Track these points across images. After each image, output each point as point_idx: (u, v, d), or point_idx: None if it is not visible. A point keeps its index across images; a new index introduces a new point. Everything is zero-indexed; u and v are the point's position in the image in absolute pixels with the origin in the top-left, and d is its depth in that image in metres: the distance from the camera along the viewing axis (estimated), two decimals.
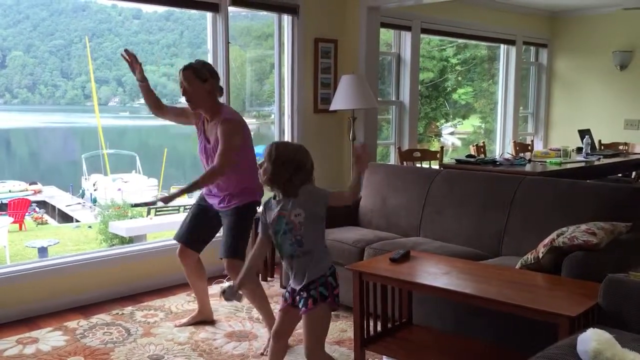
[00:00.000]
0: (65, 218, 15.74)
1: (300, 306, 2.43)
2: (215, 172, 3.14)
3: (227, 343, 3.31)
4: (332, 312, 2.54)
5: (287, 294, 2.52)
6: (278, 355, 2.64)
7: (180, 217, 3.79)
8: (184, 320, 3.58)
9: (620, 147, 6.82)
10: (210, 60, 4.57)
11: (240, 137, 3.19)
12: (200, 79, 3.16)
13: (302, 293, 2.43)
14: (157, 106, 3.40)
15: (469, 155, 5.75)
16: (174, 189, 3.15)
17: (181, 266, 3.53)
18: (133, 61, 3.27)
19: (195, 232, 3.46)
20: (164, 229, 9.45)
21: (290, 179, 2.37)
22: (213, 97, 3.24)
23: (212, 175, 3.16)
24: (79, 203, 16.95)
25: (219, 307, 3.87)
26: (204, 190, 3.41)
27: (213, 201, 3.36)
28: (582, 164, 5.62)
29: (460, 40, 10.31)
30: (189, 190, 3.19)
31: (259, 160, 2.50)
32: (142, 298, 4.08)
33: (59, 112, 27.83)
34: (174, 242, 4.46)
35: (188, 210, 3.66)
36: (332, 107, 5.01)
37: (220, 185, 3.28)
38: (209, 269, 3.79)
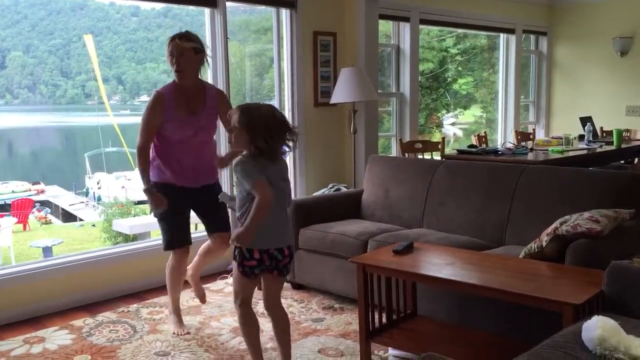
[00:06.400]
0: (68, 217, 15.77)
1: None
2: None
3: (232, 338, 3.32)
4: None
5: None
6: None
7: None
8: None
9: (622, 134, 6.79)
10: (209, 56, 4.57)
11: None
12: (194, 50, 3.16)
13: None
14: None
15: (471, 146, 5.74)
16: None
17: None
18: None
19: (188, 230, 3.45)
20: None
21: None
22: (199, 70, 3.23)
23: None
24: (82, 202, 16.98)
25: (224, 302, 3.88)
26: (176, 181, 3.24)
27: (199, 181, 3.28)
28: (584, 152, 5.61)
29: (459, 30, 10.26)
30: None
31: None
32: (147, 295, 4.09)
33: (60, 112, 27.83)
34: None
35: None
36: (333, 100, 5.00)
37: (209, 158, 3.28)
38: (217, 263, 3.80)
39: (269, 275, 2.63)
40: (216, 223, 3.41)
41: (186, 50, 3.12)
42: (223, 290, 4.09)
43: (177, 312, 3.50)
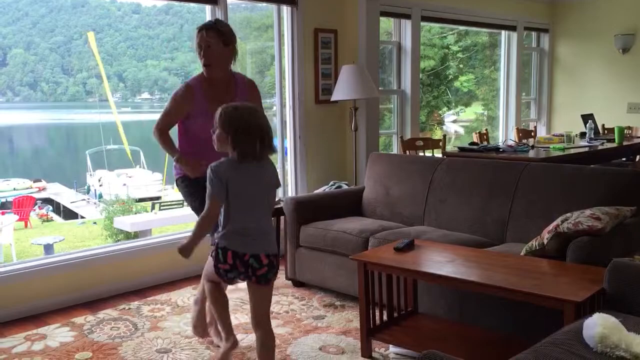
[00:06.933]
0: (70, 215, 15.79)
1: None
2: None
3: None
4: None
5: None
6: None
7: (186, 211, 3.61)
8: None
9: (624, 131, 6.78)
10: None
11: None
12: (224, 42, 2.99)
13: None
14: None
15: (472, 143, 5.73)
16: None
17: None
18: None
19: None
20: (168, 224, 9.48)
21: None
22: (230, 62, 3.07)
23: None
24: (84, 199, 17.01)
25: None
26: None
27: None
28: (586, 149, 5.60)
29: (460, 27, 10.26)
30: None
31: None
32: (148, 293, 4.10)
33: (61, 109, 27.88)
34: (179, 236, 4.48)
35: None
36: (334, 98, 5.00)
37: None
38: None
39: (249, 282, 2.52)
40: None
41: (214, 42, 2.96)
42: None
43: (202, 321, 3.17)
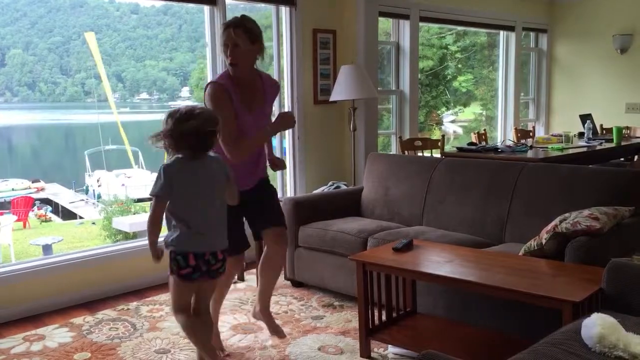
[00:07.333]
0: (68, 215, 15.78)
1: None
2: None
3: (232, 336, 3.33)
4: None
5: None
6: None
7: None
8: None
9: (622, 131, 6.79)
10: (209, 54, 4.55)
11: None
12: (251, 40, 2.82)
13: None
14: None
15: (471, 143, 5.73)
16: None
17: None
18: None
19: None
20: None
21: None
22: (255, 61, 2.91)
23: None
24: (82, 200, 17.00)
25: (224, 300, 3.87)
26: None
27: (254, 181, 3.01)
28: (584, 149, 5.61)
29: (459, 28, 10.26)
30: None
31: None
32: (147, 293, 4.09)
33: (60, 109, 27.86)
34: None
35: None
36: (332, 98, 5.00)
37: (264, 158, 3.07)
38: None
39: (204, 281, 2.57)
40: (273, 216, 3.05)
41: (241, 41, 2.80)
42: None
43: (216, 337, 3.07)
